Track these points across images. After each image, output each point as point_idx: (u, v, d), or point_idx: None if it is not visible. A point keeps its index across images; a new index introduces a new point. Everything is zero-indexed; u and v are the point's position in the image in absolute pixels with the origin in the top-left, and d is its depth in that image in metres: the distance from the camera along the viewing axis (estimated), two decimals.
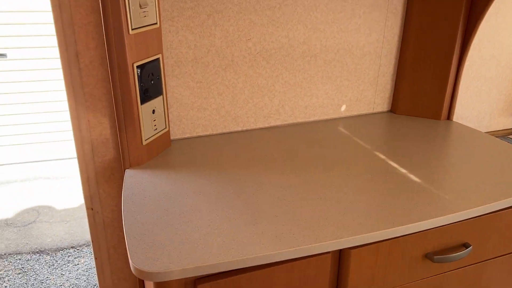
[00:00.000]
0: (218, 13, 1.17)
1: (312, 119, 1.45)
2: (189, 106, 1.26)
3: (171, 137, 1.29)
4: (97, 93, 1.13)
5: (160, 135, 1.20)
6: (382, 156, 1.21)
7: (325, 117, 1.47)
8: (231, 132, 1.35)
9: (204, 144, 1.27)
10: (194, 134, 1.31)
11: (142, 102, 1.10)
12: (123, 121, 1.09)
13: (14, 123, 3.19)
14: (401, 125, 1.45)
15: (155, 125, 1.17)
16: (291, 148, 1.25)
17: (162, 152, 1.22)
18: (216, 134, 1.33)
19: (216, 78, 1.26)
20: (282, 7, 1.24)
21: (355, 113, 1.51)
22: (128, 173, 1.11)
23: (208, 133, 1.32)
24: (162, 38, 1.15)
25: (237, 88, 1.29)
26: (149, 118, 1.14)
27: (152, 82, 1.11)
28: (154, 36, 1.08)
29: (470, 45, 1.38)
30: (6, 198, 2.86)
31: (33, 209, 2.75)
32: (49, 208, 2.76)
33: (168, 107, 1.25)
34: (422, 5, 1.37)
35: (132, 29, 0.99)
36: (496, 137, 1.73)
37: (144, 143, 1.14)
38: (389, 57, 1.46)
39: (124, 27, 0.97)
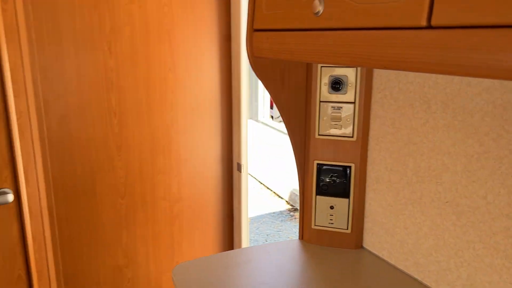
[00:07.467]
0: (413, 145, 1.21)
1: None
2: (381, 224, 1.31)
3: (365, 245, 1.39)
4: None
5: (337, 232, 1.37)
6: None
7: None
8: (405, 273, 1.24)
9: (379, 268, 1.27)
10: (380, 255, 1.33)
11: (318, 193, 1.33)
12: (303, 202, 1.38)
13: None
14: None
15: (331, 220, 1.35)
16: None
17: (338, 249, 1.37)
18: (396, 268, 1.27)
19: (405, 209, 1.25)
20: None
21: None
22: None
23: (391, 261, 1.29)
24: (368, 153, 1.34)
25: (421, 232, 1.20)
26: (324, 210, 1.35)
27: (334, 182, 1.32)
28: (348, 146, 1.31)
29: None
30: None
31: None
32: None
33: (364, 216, 1.36)
34: None
35: (319, 135, 1.30)
36: None
37: (314, 227, 1.36)
38: None
39: (312, 131, 1.31)
